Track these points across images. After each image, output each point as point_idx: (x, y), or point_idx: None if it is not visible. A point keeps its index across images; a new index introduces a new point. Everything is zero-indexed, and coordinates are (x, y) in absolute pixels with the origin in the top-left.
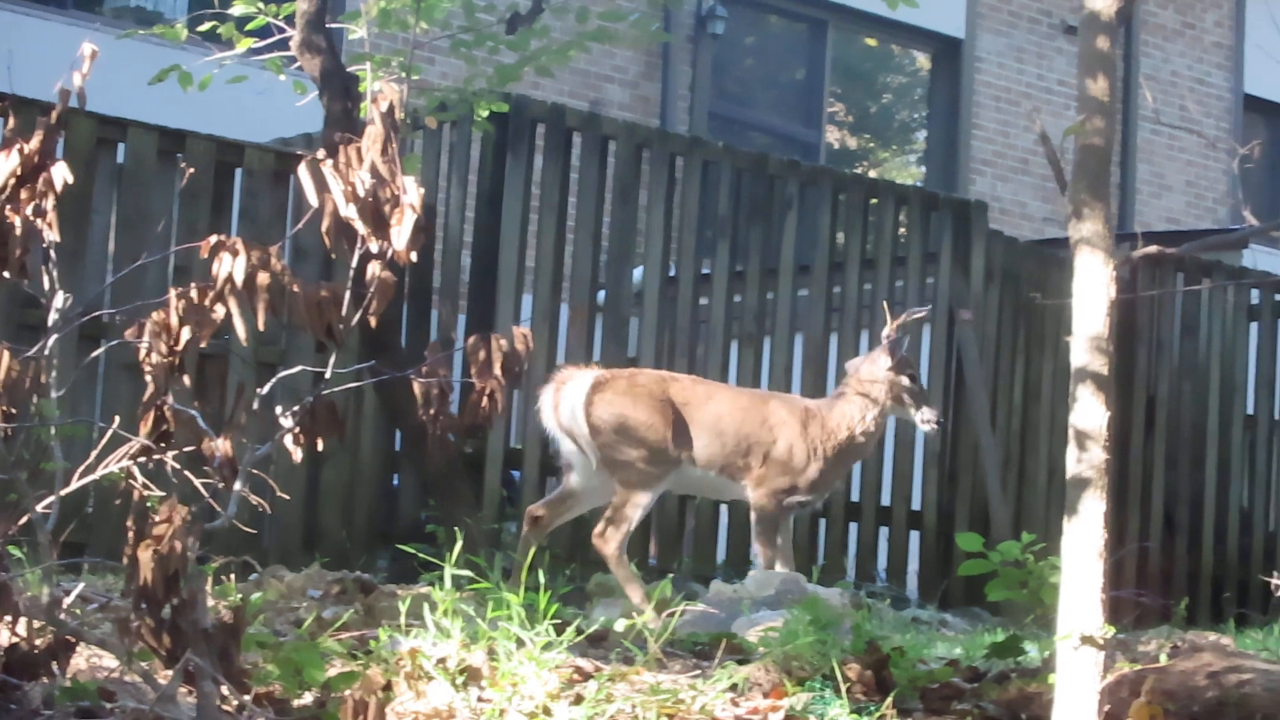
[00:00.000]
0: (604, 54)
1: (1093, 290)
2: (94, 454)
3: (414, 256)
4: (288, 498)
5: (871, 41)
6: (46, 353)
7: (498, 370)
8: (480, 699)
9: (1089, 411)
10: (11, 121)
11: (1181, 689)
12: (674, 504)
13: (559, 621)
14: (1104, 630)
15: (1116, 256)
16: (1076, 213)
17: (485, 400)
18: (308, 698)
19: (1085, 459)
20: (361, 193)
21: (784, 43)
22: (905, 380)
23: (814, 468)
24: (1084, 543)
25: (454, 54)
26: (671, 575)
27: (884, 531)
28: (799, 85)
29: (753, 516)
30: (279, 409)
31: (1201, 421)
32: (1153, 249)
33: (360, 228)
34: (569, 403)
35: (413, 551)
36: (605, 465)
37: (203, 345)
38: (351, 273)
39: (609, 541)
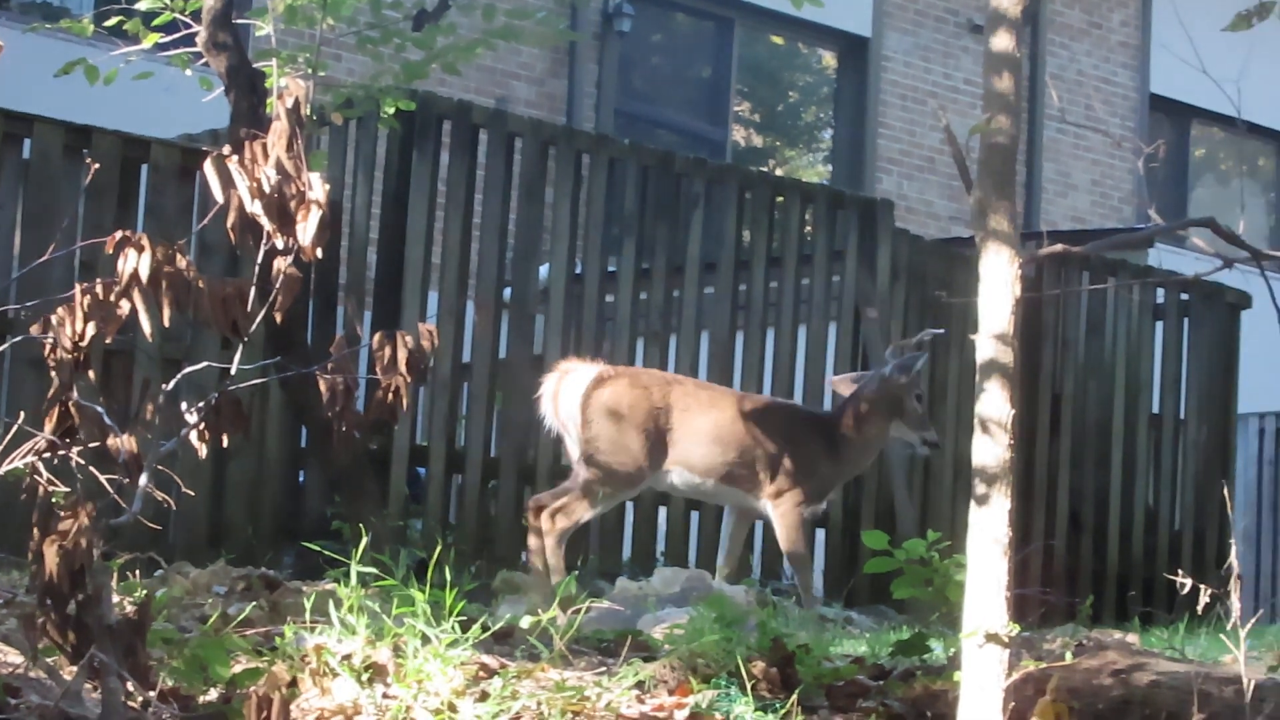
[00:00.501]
0: (511, 51)
1: (997, 288)
2: None
3: (319, 253)
4: (193, 494)
5: (778, 40)
6: None
7: (403, 367)
8: (386, 695)
9: (994, 407)
10: None
11: (1086, 687)
12: None
13: (465, 618)
14: (1009, 628)
15: (1021, 255)
16: (981, 211)
17: (390, 397)
18: (213, 694)
19: (990, 454)
20: (267, 189)
21: (690, 41)
22: (912, 400)
23: (817, 477)
24: (989, 539)
25: (360, 51)
26: (577, 572)
27: None
28: (705, 83)
29: (777, 530)
30: (184, 405)
31: (1107, 420)
32: (1058, 247)
33: (266, 224)
34: (569, 395)
35: (318, 549)
36: (584, 458)
37: (108, 341)
38: (257, 269)
39: (554, 528)
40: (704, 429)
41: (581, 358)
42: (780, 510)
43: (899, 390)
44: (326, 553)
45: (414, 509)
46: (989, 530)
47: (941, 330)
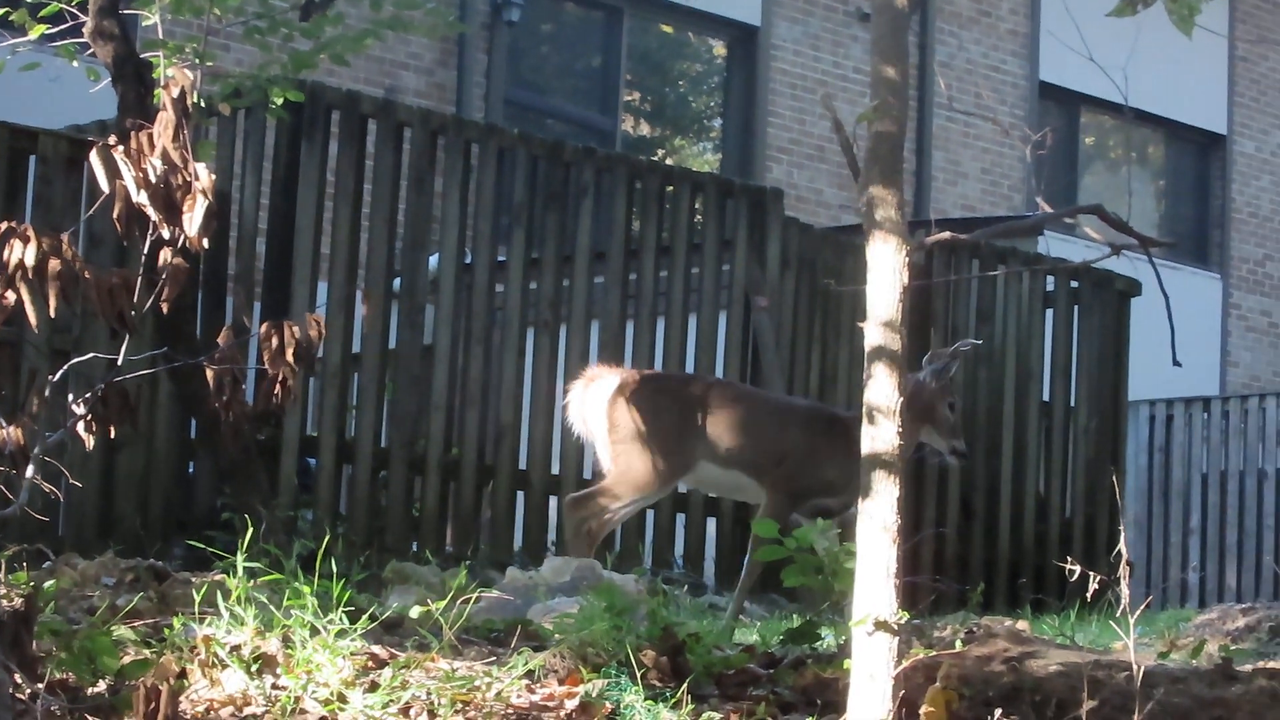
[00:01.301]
0: (400, 41)
1: (885, 276)
2: None
3: (206, 243)
4: (82, 486)
5: (667, 29)
6: None
7: (290, 357)
8: (275, 686)
9: (882, 394)
10: None
11: (977, 674)
12: (471, 491)
13: (354, 609)
14: (898, 615)
15: (909, 243)
16: (869, 199)
17: (278, 387)
18: (102, 686)
19: (879, 442)
20: (153, 179)
21: (580, 30)
22: (945, 408)
23: (837, 475)
24: (878, 527)
25: (248, 41)
26: (468, 562)
27: (681, 518)
28: (595, 73)
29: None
30: (71, 397)
31: (998, 408)
32: (945, 235)
33: (152, 214)
34: (594, 401)
35: (202, 543)
36: (612, 460)
37: None
38: (143, 260)
39: (576, 512)
40: (730, 425)
41: (606, 364)
42: (768, 497)
43: (932, 397)
44: (215, 545)
45: (304, 500)
46: (878, 518)
47: (979, 341)
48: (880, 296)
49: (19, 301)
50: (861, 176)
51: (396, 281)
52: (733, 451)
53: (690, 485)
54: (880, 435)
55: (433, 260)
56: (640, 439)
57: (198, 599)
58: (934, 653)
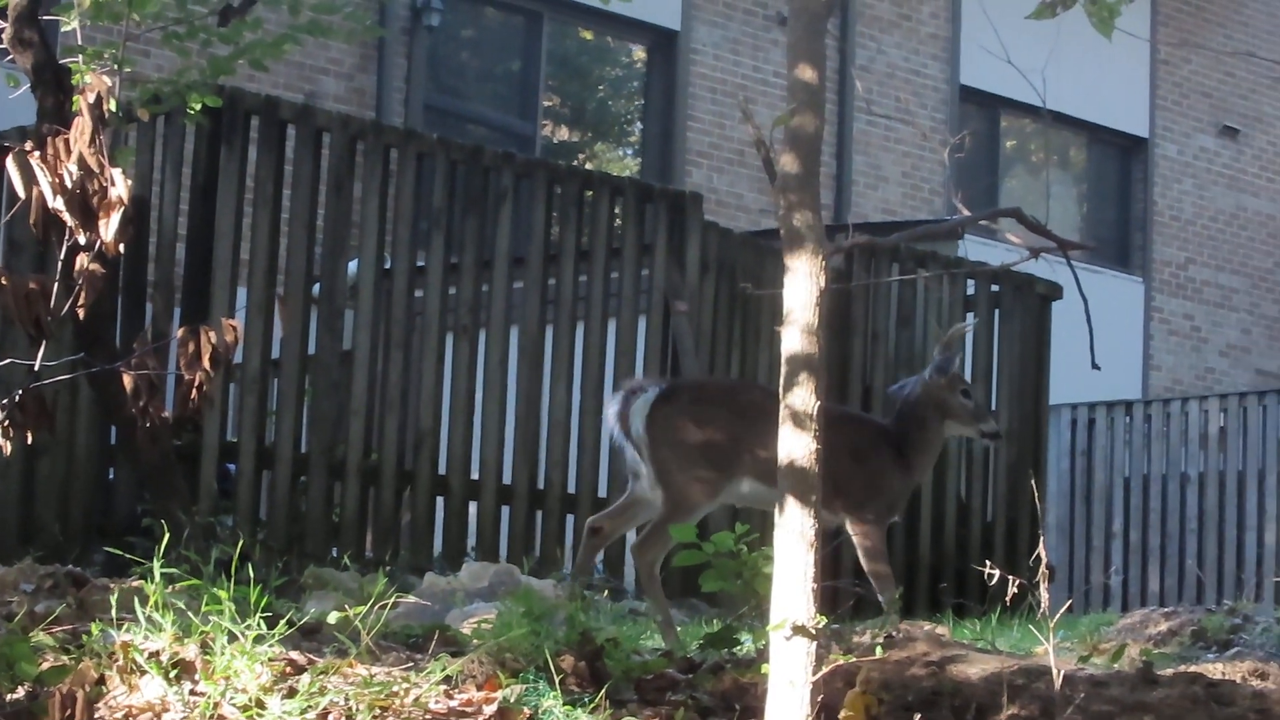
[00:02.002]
0: (319, 47)
1: (802, 280)
2: None
3: (122, 248)
4: (0, 492)
5: (587, 34)
6: None
7: (206, 362)
8: (193, 692)
9: (800, 399)
10: None
11: (897, 679)
12: (390, 496)
13: (272, 614)
14: (816, 620)
15: (826, 247)
16: (786, 203)
17: (195, 393)
18: (20, 693)
19: (797, 447)
20: (69, 185)
21: (500, 35)
22: (959, 397)
23: (891, 488)
24: (795, 532)
25: (167, 46)
26: (387, 568)
27: None
28: (515, 78)
29: (858, 547)
30: None
31: None
32: (862, 239)
33: (69, 220)
34: (636, 414)
35: (122, 549)
36: (659, 479)
37: None
38: (60, 265)
39: (646, 554)
40: (774, 437)
41: (648, 375)
42: (860, 529)
43: (940, 391)
44: (134, 551)
45: (224, 505)
46: (796, 523)
47: (974, 320)
48: (797, 300)
49: None
50: (778, 180)
51: (316, 287)
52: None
53: (737, 503)
54: (799, 441)
55: (352, 265)
56: (685, 455)
57: (116, 605)
58: (853, 658)
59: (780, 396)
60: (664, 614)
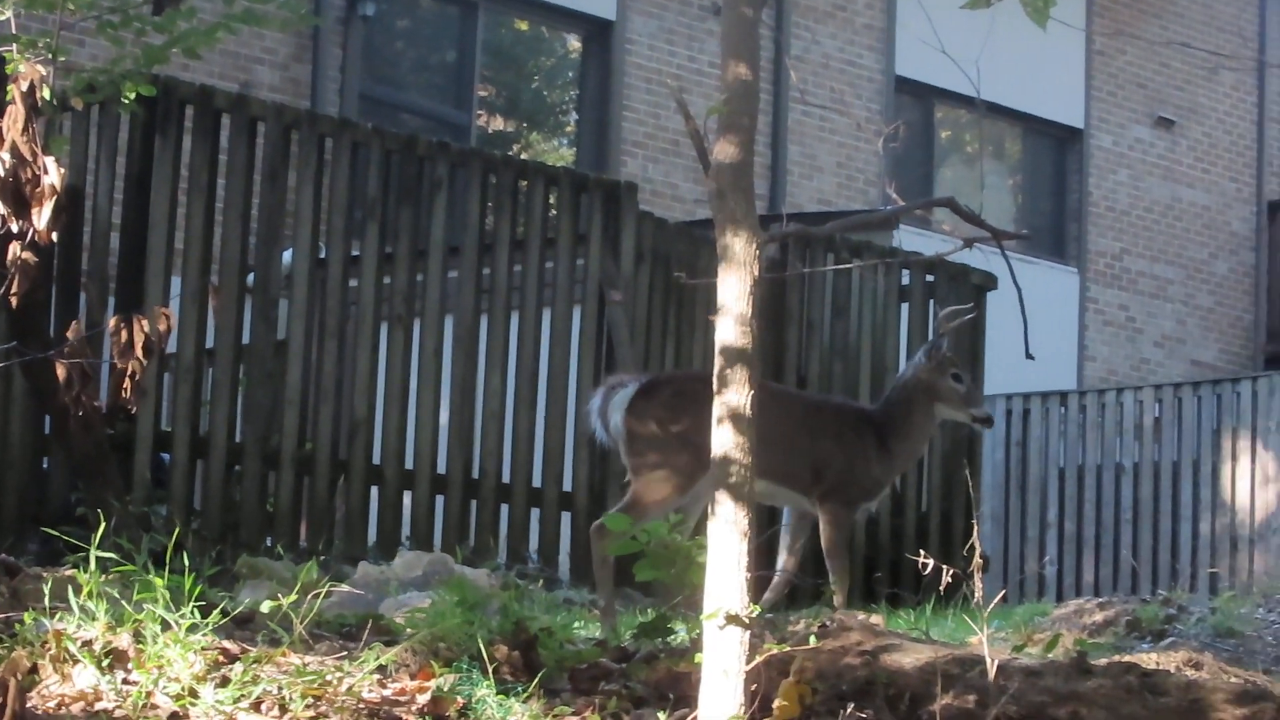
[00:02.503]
0: (254, 36)
1: (736, 270)
2: None
3: (56, 237)
4: None
5: (522, 24)
6: None
7: (139, 351)
8: (126, 681)
9: (734, 389)
10: None
11: (831, 669)
12: (324, 486)
13: (206, 604)
14: (750, 609)
15: (761, 236)
16: (719, 192)
17: (128, 382)
18: None
19: (731, 436)
20: (2, 173)
21: (435, 25)
22: (949, 380)
23: (868, 476)
24: (728, 521)
25: (102, 35)
26: (321, 557)
27: (536, 513)
28: (450, 68)
29: (822, 529)
30: None
31: None
32: (797, 228)
33: (1, 208)
34: (615, 408)
35: (59, 535)
36: (632, 469)
37: None
38: None
39: (605, 539)
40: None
41: (627, 371)
42: (828, 512)
43: (931, 375)
44: (69, 539)
45: (158, 495)
46: (729, 512)
47: (968, 306)
48: (731, 290)
49: None
50: (712, 170)
51: (250, 276)
52: (761, 459)
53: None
54: (732, 431)
55: (286, 255)
56: (658, 448)
57: (49, 594)
58: (787, 647)
59: (714, 387)
60: (609, 601)
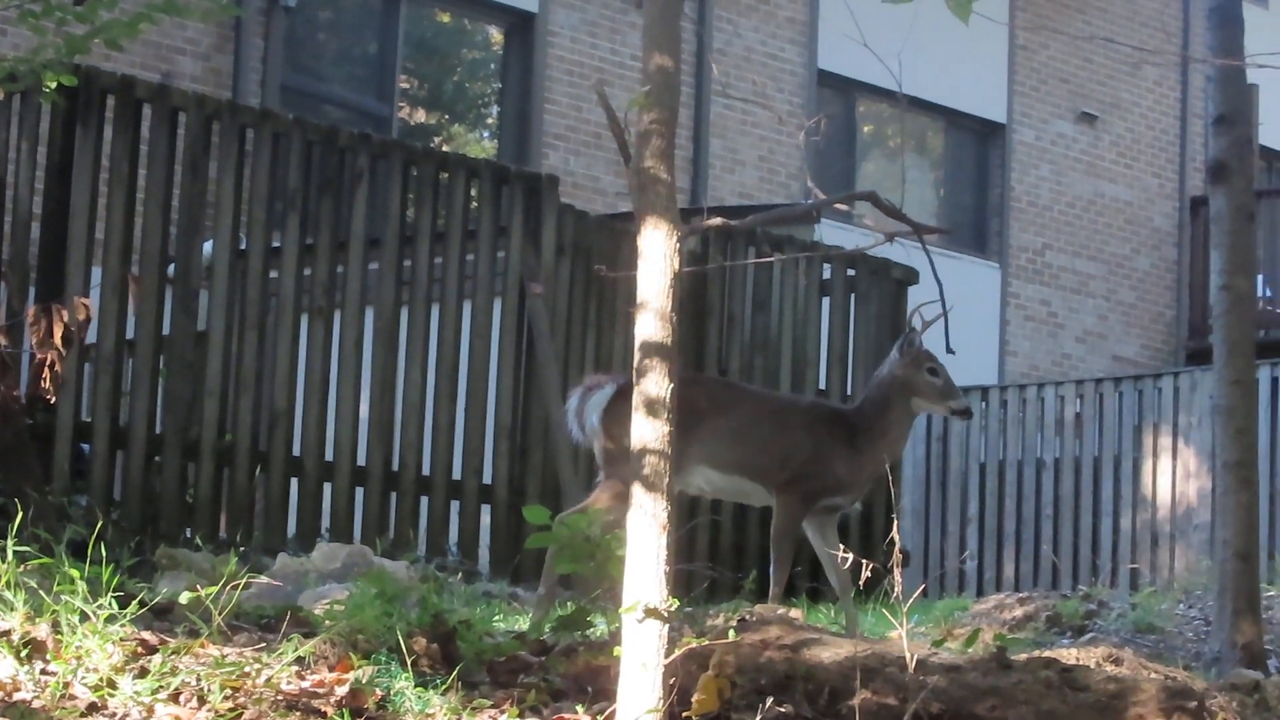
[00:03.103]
0: (176, 26)
1: (657, 262)
2: None
3: None
4: None
5: (444, 17)
6: None
7: (59, 341)
8: (44, 672)
9: (653, 383)
10: None
11: (751, 663)
12: (244, 477)
13: (125, 595)
14: (669, 603)
15: (682, 229)
16: (641, 186)
17: (47, 371)
18: None
19: (650, 430)
20: None
21: (357, 17)
22: (925, 375)
23: (846, 472)
24: (649, 514)
25: (23, 24)
26: (240, 548)
27: (455, 505)
28: (372, 59)
29: (774, 516)
30: None
31: None
32: (716, 221)
33: None
34: (592, 409)
35: None
36: (604, 467)
37: None
38: None
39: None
40: (726, 427)
41: (604, 371)
42: (780, 500)
43: (907, 371)
44: None
45: (78, 485)
46: (647, 507)
47: (939, 299)
48: (651, 283)
49: None
50: (633, 163)
51: (171, 267)
52: (732, 455)
53: (691, 491)
54: (652, 425)
55: (207, 246)
56: (628, 446)
57: None
58: (706, 641)
59: (633, 380)
60: (549, 594)
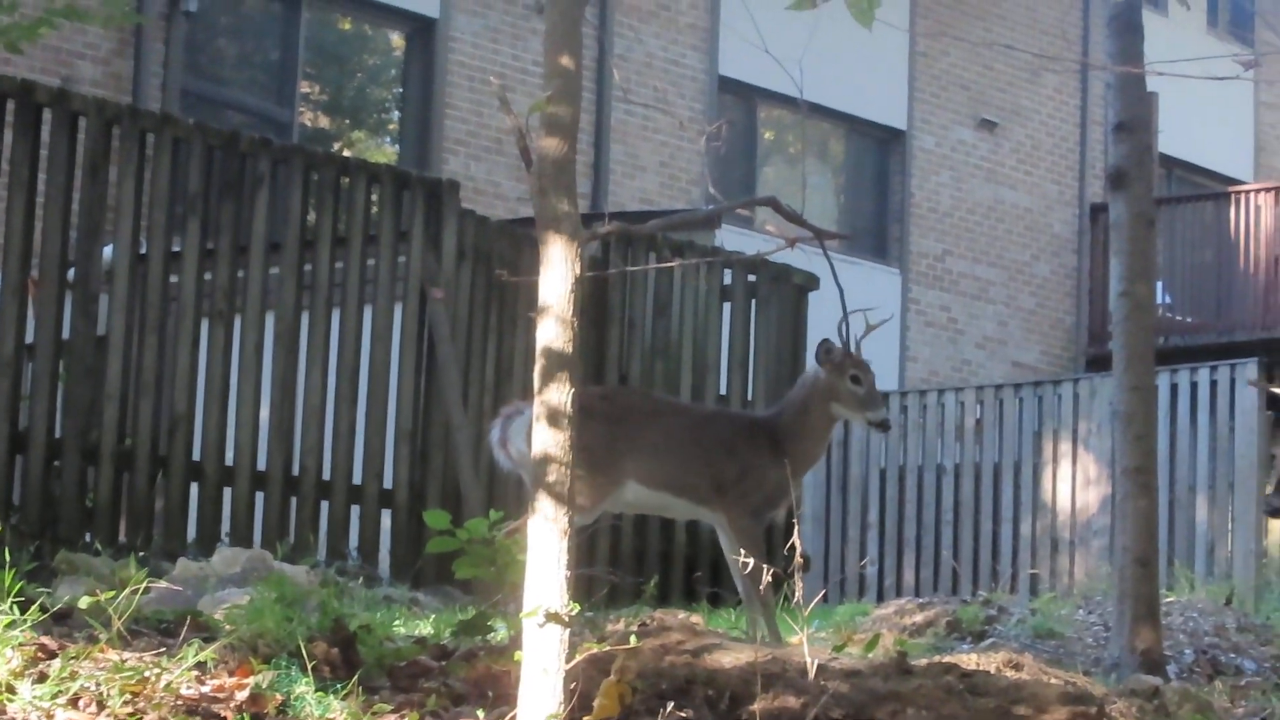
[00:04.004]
0: (76, 31)
1: (557, 268)
2: None
3: None
4: None
5: (346, 22)
6: None
7: None
8: None
9: (554, 388)
10: None
11: (651, 668)
12: (144, 481)
13: (24, 599)
14: (569, 608)
15: (583, 234)
16: (542, 190)
17: None
18: None
19: (550, 435)
20: None
21: (258, 22)
22: (847, 383)
23: (779, 479)
24: (550, 519)
25: None
26: (140, 553)
27: (356, 509)
28: (273, 65)
29: (724, 538)
30: None
31: None
32: (617, 226)
33: None
34: (516, 434)
35: None
36: (535, 488)
37: None
38: None
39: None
40: (652, 441)
41: (524, 398)
42: (734, 526)
43: (830, 376)
44: None
45: None
46: (549, 510)
47: (874, 309)
48: (553, 289)
49: None
50: (534, 168)
51: (70, 271)
52: (662, 472)
53: (621, 509)
54: (552, 430)
55: (107, 250)
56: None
57: None
58: (607, 646)
59: (535, 387)
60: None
